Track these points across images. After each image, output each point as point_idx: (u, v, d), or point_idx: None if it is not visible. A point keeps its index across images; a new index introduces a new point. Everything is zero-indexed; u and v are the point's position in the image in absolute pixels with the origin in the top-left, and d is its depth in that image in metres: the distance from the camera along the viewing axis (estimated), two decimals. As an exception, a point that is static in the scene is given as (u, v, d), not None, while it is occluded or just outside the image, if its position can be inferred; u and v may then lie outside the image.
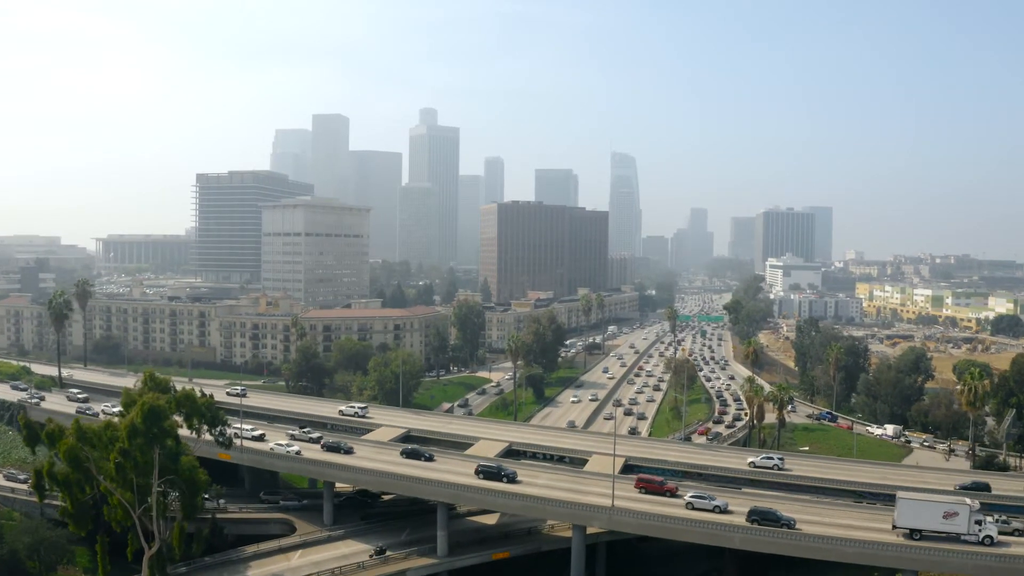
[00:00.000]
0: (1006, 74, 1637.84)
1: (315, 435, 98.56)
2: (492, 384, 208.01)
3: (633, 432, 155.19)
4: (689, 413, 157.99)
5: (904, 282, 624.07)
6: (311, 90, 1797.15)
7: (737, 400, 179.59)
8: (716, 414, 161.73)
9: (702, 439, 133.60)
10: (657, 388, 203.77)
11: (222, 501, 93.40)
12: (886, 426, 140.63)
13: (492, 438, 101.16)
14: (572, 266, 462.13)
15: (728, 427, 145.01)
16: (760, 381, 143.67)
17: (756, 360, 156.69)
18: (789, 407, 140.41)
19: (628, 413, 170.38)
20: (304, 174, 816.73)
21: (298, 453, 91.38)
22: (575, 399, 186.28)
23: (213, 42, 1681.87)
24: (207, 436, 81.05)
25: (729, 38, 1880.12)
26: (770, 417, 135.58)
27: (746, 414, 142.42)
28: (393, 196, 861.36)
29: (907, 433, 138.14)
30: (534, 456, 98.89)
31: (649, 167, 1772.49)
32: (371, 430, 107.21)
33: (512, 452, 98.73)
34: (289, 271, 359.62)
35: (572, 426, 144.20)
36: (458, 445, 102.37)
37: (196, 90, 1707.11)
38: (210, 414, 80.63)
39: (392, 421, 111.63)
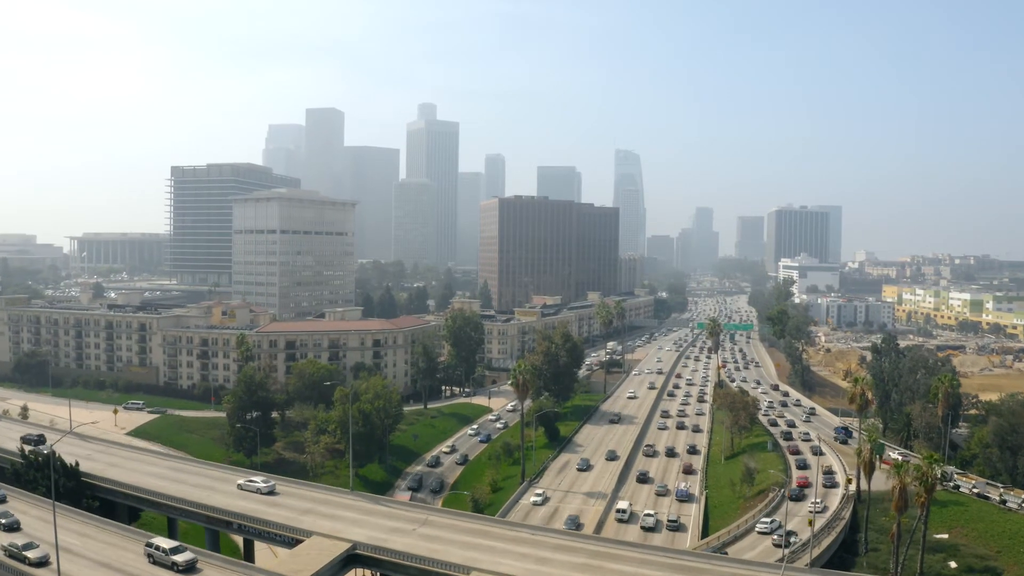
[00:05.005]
0: (1005, 72, 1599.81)
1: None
2: (507, 408, 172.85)
3: (692, 451, 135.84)
4: (758, 471, 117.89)
5: (925, 283, 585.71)
6: (309, 90, 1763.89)
7: (793, 426, 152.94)
8: (791, 462, 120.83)
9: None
10: (702, 399, 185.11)
11: None
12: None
13: (494, 571, 59.60)
14: (579, 267, 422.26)
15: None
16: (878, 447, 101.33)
17: (864, 405, 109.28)
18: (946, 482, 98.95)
19: (681, 427, 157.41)
20: (297, 170, 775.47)
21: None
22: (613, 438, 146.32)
23: (212, 42, 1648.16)
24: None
25: (729, 38, 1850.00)
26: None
27: (850, 480, 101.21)
28: (389, 193, 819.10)
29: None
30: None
31: (653, 166, 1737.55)
32: (301, 540, 66.79)
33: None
34: (263, 273, 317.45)
35: (575, 524, 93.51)
36: (437, 576, 61.78)
37: (194, 90, 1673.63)
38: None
39: (332, 526, 70.67)
